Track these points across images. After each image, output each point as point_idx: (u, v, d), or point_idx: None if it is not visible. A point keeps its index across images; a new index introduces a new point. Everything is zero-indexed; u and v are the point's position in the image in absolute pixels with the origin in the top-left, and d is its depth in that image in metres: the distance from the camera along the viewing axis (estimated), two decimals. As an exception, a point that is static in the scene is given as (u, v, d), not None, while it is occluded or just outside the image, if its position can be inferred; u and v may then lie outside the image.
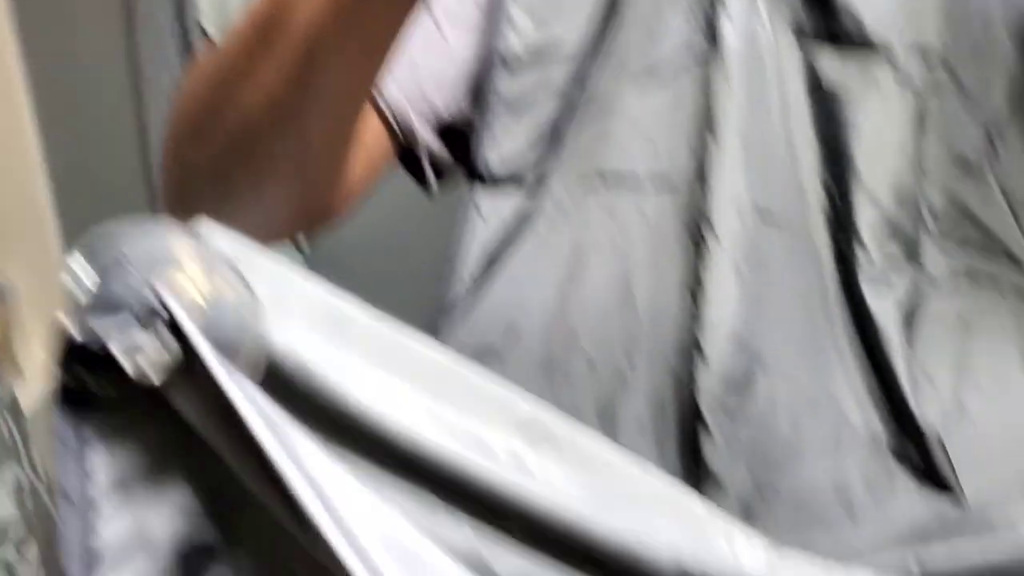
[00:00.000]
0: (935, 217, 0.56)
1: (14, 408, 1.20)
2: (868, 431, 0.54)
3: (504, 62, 0.60)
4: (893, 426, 0.54)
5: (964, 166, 0.56)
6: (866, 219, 0.55)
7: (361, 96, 0.54)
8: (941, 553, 0.45)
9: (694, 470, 0.54)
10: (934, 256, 0.56)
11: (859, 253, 0.55)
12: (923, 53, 0.56)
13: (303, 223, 0.62)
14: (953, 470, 0.52)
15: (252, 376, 0.29)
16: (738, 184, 0.56)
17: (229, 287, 0.28)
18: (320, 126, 0.53)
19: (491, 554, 0.31)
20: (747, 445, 0.54)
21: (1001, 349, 0.55)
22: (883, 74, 0.56)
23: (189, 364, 0.27)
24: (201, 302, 0.27)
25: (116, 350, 0.27)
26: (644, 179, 0.58)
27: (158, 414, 0.29)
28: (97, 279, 0.27)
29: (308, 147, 0.54)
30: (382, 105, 0.62)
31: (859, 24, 0.56)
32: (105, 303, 0.27)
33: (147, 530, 0.30)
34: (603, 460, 0.33)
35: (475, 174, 0.61)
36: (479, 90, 0.62)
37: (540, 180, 0.60)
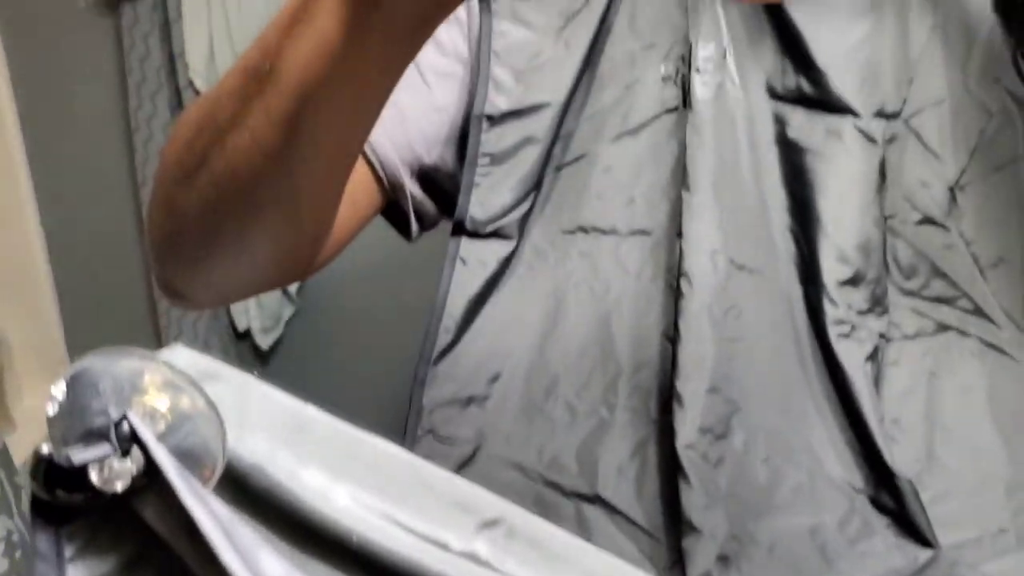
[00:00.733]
0: (900, 270, 0.58)
1: (5, 459, 1.19)
2: (844, 479, 0.55)
3: (490, 119, 0.62)
4: (868, 474, 0.55)
5: (928, 220, 0.58)
6: (832, 273, 0.56)
7: (352, 146, 0.53)
8: (914, 598, 0.46)
9: (673, 516, 0.55)
10: (901, 308, 0.57)
11: (827, 306, 0.56)
12: (886, 115, 0.58)
13: (289, 272, 0.61)
14: (926, 517, 0.53)
15: (214, 487, 0.31)
16: (712, 235, 0.57)
17: (192, 404, 0.31)
18: (309, 175, 0.53)
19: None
20: (725, 492, 0.54)
21: (969, 398, 0.56)
22: (849, 133, 0.57)
23: (153, 479, 0.30)
24: (164, 420, 0.31)
25: (84, 461, 0.30)
26: (623, 232, 0.60)
27: (132, 528, 0.31)
28: (73, 405, 0.31)
29: (296, 196, 0.53)
30: (370, 155, 0.63)
31: (826, 89, 0.58)
32: (79, 425, 0.31)
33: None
34: (573, 558, 0.32)
35: (460, 226, 0.62)
36: (464, 145, 0.63)
37: (523, 231, 0.62)
